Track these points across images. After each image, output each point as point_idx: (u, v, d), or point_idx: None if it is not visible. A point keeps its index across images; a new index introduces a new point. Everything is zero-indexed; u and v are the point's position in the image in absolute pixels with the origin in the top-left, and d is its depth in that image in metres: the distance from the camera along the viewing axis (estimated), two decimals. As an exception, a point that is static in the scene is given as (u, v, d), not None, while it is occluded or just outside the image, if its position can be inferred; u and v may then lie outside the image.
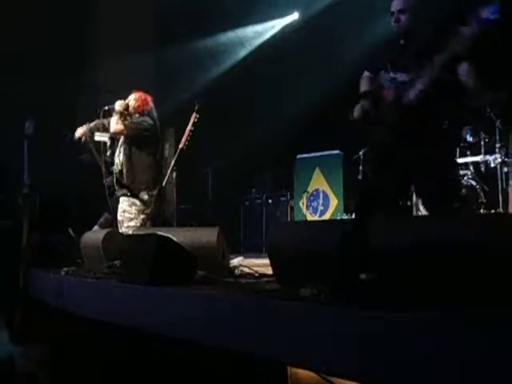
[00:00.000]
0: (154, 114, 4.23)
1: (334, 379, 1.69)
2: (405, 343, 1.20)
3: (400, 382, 1.21)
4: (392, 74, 2.91)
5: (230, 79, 7.38)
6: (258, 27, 7.89)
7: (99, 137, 4.32)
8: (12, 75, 5.17)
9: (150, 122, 4.15)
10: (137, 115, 4.18)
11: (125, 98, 4.25)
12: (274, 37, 7.92)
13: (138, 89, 4.31)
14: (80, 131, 4.42)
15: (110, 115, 4.17)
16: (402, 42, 2.95)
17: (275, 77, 7.35)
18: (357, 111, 3.06)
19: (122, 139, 4.21)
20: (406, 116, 2.78)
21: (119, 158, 4.19)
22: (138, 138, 4.10)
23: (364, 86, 3.10)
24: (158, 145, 4.36)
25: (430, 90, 2.71)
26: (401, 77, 2.86)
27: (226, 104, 7.33)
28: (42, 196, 4.15)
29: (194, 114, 3.93)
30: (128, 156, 4.10)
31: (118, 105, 4.16)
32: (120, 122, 4.08)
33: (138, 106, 4.18)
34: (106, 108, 4.19)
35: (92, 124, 4.37)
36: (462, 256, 1.27)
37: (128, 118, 4.19)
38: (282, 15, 7.84)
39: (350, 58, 6.03)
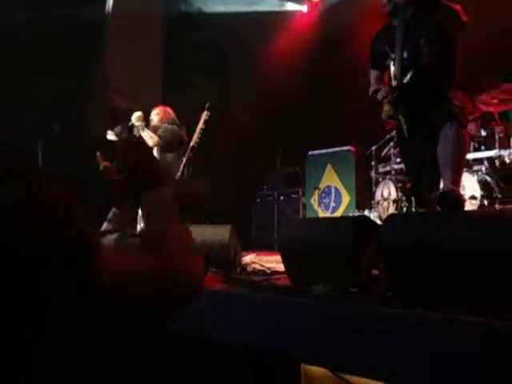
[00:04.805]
0: (177, 120, 4.66)
1: (346, 376, 1.68)
2: (417, 340, 1.19)
3: (415, 381, 1.20)
4: (392, 56, 2.88)
5: (239, 75, 7.33)
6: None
7: (111, 136, 4.39)
8: (29, 78, 5.26)
9: (176, 128, 4.59)
10: (165, 125, 4.57)
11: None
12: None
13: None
14: (104, 165, 4.84)
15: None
16: (394, 22, 2.92)
17: (285, 72, 7.30)
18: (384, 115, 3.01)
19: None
20: (404, 89, 2.77)
21: None
22: (171, 144, 4.50)
23: (371, 87, 3.08)
24: (184, 146, 4.67)
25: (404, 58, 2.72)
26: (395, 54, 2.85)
27: (236, 101, 7.32)
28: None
29: (204, 112, 3.93)
30: (164, 159, 4.45)
31: (136, 119, 4.46)
32: (152, 134, 4.44)
33: (162, 118, 4.61)
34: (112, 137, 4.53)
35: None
36: (471, 253, 1.26)
37: (156, 129, 4.57)
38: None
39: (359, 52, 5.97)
